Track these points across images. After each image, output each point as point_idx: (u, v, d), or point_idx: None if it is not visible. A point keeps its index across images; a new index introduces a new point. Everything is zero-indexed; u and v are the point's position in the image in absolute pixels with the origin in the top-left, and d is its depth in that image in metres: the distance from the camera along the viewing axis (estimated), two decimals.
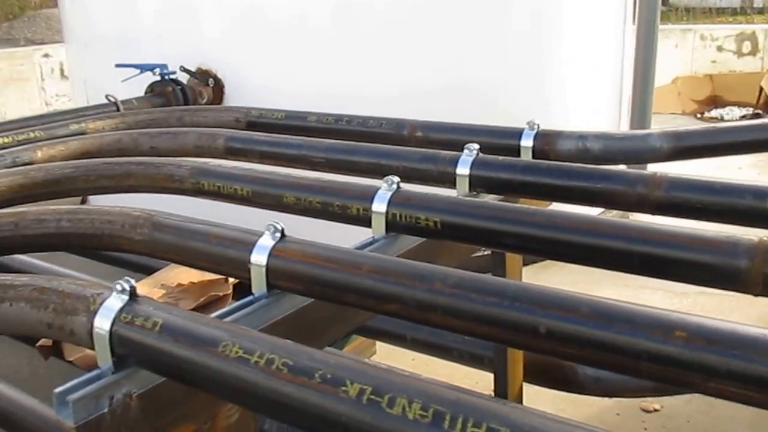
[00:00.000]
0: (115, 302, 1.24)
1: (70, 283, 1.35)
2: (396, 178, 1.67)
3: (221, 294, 2.71)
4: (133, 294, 1.25)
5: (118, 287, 1.25)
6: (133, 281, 1.26)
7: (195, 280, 2.66)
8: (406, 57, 3.68)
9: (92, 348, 1.27)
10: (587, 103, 4.34)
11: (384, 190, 1.67)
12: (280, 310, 1.46)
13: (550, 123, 2.19)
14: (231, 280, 2.69)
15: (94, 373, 1.25)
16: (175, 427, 1.31)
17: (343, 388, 0.95)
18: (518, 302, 1.13)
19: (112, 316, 1.22)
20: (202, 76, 3.92)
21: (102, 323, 1.23)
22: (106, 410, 1.21)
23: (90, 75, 4.82)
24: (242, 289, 2.68)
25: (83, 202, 4.53)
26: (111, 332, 1.22)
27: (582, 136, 2.06)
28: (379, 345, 2.97)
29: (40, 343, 2.57)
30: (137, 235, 1.69)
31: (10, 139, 2.80)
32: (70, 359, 2.50)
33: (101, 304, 1.25)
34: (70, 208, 1.80)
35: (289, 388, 1.00)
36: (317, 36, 3.69)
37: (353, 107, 2.73)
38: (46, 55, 10.21)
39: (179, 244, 1.62)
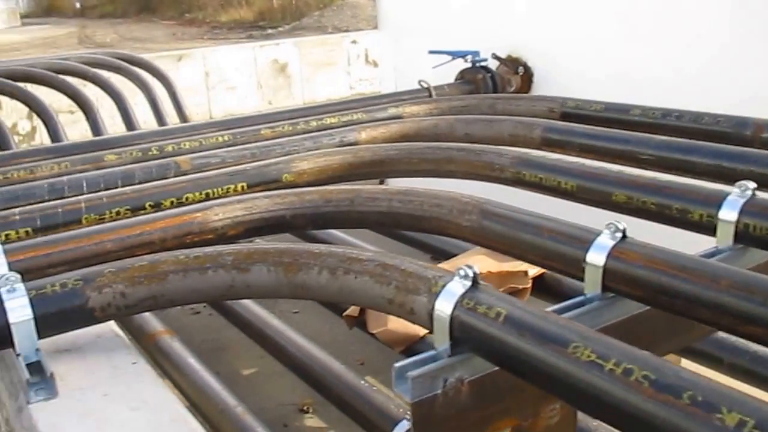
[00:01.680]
0: (457, 287, 1.25)
1: (411, 263, 1.38)
2: (751, 184, 1.51)
3: (520, 287, 2.68)
4: (475, 281, 1.24)
5: (461, 272, 1.25)
6: (476, 268, 1.25)
7: (494, 270, 2.66)
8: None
9: (429, 328, 1.29)
10: None
11: (735, 196, 1.52)
12: (612, 315, 1.38)
13: None
14: (530, 273, 2.66)
15: (429, 353, 1.26)
16: (499, 418, 1.30)
17: (719, 416, 0.86)
18: None
19: (454, 300, 1.23)
20: (513, 63, 3.90)
21: (443, 306, 1.24)
22: (439, 391, 1.22)
23: (400, 60, 5.03)
24: (540, 284, 2.64)
25: (381, 183, 4.73)
26: (452, 316, 1.22)
27: None
28: (684, 363, 2.76)
29: (346, 313, 2.72)
30: (465, 221, 1.71)
31: (336, 119, 2.99)
32: (373, 332, 2.62)
33: (443, 287, 1.26)
34: (401, 189, 1.86)
35: (650, 405, 0.92)
36: (642, 26, 3.45)
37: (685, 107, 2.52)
38: (353, 42, 10.89)
39: (508, 234, 1.60)
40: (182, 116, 5.89)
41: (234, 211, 1.82)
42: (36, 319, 1.33)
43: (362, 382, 2.41)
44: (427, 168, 2.31)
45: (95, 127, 4.89)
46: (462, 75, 3.89)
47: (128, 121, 5.23)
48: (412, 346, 2.52)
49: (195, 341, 3.61)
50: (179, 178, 2.15)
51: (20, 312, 1.32)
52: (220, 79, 9.70)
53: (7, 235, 1.83)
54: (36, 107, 4.70)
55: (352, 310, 2.70)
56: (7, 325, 1.31)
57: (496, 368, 1.25)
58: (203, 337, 3.67)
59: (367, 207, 1.85)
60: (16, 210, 1.94)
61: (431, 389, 1.21)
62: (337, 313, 3.03)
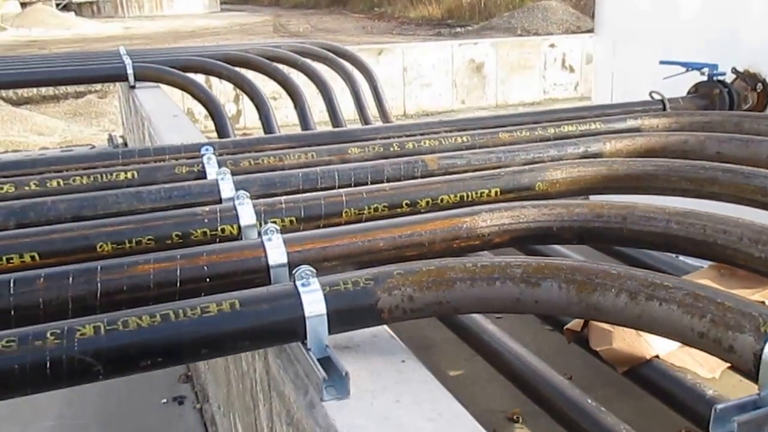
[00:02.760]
0: None
1: (726, 295, 1.28)
2: None
3: None
4: None
5: None
6: None
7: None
8: None
9: (751, 372, 1.18)
10: None
11: None
12: None
13: None
14: None
15: (750, 397, 1.17)
16: None
17: None
18: None
19: None
20: (751, 79, 3.62)
21: None
22: None
23: (619, 68, 4.82)
24: None
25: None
26: None
27: None
28: None
29: (568, 326, 2.62)
30: (758, 251, 1.57)
31: (574, 128, 2.89)
32: (596, 349, 2.51)
33: None
34: (679, 210, 1.75)
35: None
36: None
37: None
38: (551, 46, 10.66)
39: None
40: (383, 111, 5.98)
41: (501, 219, 1.78)
42: (328, 314, 1.33)
43: (588, 400, 2.31)
44: (687, 187, 2.17)
45: (303, 116, 5.05)
46: (696, 88, 3.66)
47: (333, 112, 5.36)
48: (635, 368, 2.40)
49: (401, 338, 3.63)
50: (434, 179, 2.14)
51: (315, 306, 1.32)
52: (417, 75, 9.81)
53: (273, 222, 1.88)
54: (251, 93, 4.88)
55: (575, 324, 2.59)
56: (303, 318, 1.32)
57: None
58: (409, 333, 3.68)
59: (640, 226, 1.76)
60: (281, 198, 2.00)
61: None
62: (544, 322, 2.92)
